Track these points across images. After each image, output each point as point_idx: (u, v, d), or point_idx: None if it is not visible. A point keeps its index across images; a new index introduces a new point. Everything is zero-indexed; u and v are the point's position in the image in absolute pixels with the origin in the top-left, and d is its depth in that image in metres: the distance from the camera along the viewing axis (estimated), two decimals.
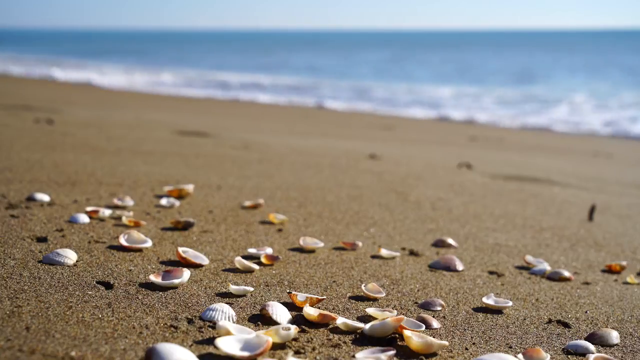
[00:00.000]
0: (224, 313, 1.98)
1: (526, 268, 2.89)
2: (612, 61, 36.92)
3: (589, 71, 29.43)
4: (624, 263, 3.00)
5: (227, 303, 2.11)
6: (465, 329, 2.12)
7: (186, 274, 2.26)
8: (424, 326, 2.04)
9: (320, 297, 2.16)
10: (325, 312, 2.03)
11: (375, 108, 15.79)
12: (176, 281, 2.21)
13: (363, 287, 2.34)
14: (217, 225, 3.11)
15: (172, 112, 10.48)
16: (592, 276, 2.87)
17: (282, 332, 1.82)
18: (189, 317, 1.97)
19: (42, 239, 2.60)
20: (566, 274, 2.78)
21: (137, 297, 2.09)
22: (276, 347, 1.81)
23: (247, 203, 3.54)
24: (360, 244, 2.97)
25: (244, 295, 2.22)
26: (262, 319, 2.01)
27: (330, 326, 2.01)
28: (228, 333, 1.80)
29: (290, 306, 2.13)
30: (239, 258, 2.50)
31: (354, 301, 2.28)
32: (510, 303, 2.33)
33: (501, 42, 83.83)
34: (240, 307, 2.11)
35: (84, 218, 2.93)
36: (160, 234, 2.87)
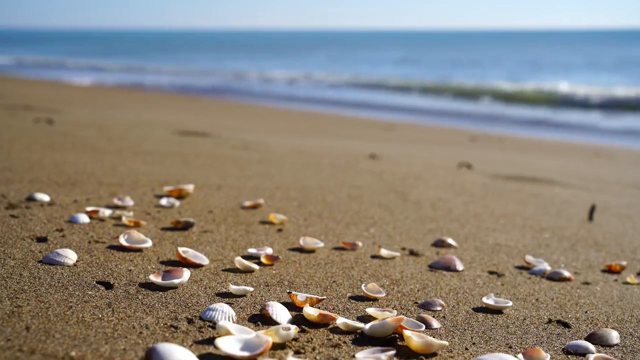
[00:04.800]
0: (224, 313, 1.98)
1: (526, 268, 2.89)
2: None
3: None
4: (624, 263, 3.00)
5: (227, 303, 2.11)
6: (465, 329, 2.12)
7: (186, 274, 2.26)
8: (424, 326, 2.04)
9: (320, 297, 2.16)
10: (325, 312, 2.03)
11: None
12: (176, 281, 2.21)
13: (363, 287, 2.34)
14: (217, 225, 3.11)
15: (172, 112, 10.48)
16: (592, 276, 2.87)
17: (282, 332, 1.82)
18: (189, 317, 1.97)
19: (42, 239, 2.60)
20: (566, 274, 2.78)
21: (137, 297, 2.09)
22: (276, 347, 1.81)
23: (247, 203, 3.54)
24: (360, 244, 2.97)
25: (244, 295, 2.22)
26: (262, 319, 2.01)
27: (330, 326, 2.01)
28: (228, 333, 1.80)
29: (290, 306, 2.13)
30: (239, 258, 2.50)
31: (354, 301, 2.28)
32: (510, 303, 2.33)
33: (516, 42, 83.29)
34: (240, 307, 2.11)
35: (84, 218, 2.93)
36: (160, 234, 2.87)
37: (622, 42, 72.64)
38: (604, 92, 18.98)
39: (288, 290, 2.31)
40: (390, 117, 13.46)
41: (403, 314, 2.19)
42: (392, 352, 1.80)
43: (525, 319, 2.26)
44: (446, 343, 1.91)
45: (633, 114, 16.24)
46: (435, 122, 13.33)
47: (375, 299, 2.31)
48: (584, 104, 17.89)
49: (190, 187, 3.65)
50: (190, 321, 1.94)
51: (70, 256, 2.37)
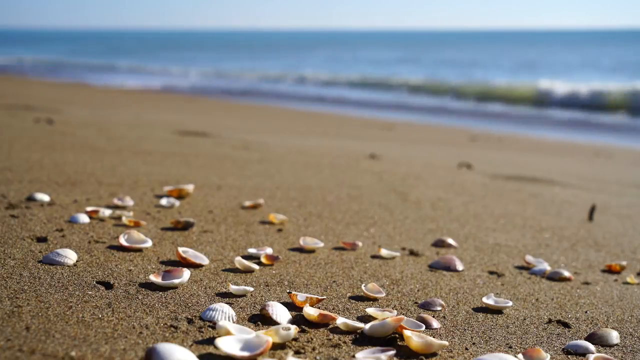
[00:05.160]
0: (224, 313, 1.98)
1: (526, 268, 2.89)
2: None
3: None
4: (624, 263, 3.00)
5: (227, 303, 2.11)
6: (465, 329, 2.12)
7: (186, 274, 2.26)
8: (424, 326, 2.04)
9: (320, 297, 2.16)
10: (325, 312, 2.03)
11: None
12: (176, 281, 2.21)
13: (363, 287, 2.34)
14: (217, 225, 3.11)
15: (172, 112, 10.48)
16: (592, 276, 2.87)
17: (282, 332, 1.82)
18: (189, 317, 1.97)
19: (42, 239, 2.60)
20: (566, 274, 2.78)
21: (137, 297, 2.09)
22: (276, 347, 1.81)
23: (247, 203, 3.54)
24: (360, 244, 2.97)
25: (244, 295, 2.22)
26: (262, 319, 2.01)
27: (330, 326, 2.01)
28: (228, 333, 1.80)
29: (290, 306, 2.14)
30: (239, 258, 2.50)
31: (354, 301, 2.28)
32: (510, 303, 2.33)
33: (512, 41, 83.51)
34: (240, 307, 2.11)
35: (84, 218, 2.93)
36: (160, 234, 2.87)
37: (621, 42, 72.76)
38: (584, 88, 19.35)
39: (288, 290, 2.31)
40: (366, 114, 13.55)
41: (403, 314, 2.19)
42: (392, 352, 1.80)
43: (525, 319, 2.26)
44: (446, 343, 1.91)
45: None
46: (419, 118, 13.36)
47: (375, 299, 2.31)
48: (560, 102, 18.27)
49: (190, 187, 3.65)
50: (190, 321, 1.94)
51: (70, 256, 2.37)
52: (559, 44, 70.78)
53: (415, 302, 2.32)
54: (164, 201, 3.40)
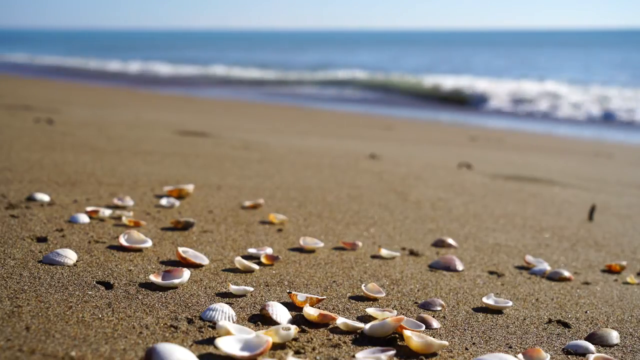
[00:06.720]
0: (224, 313, 1.98)
1: (526, 268, 2.89)
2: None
3: None
4: (624, 263, 3.00)
5: (227, 303, 2.11)
6: (465, 329, 2.12)
7: (186, 274, 2.26)
8: (424, 326, 2.04)
9: (320, 297, 2.16)
10: (325, 312, 2.03)
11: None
12: (176, 281, 2.21)
13: (363, 287, 2.34)
14: (217, 225, 3.11)
15: (172, 112, 10.48)
16: (592, 276, 2.87)
17: (282, 332, 1.82)
18: (189, 317, 1.97)
19: (42, 239, 2.60)
20: (566, 274, 2.78)
21: (137, 297, 2.09)
22: (276, 347, 1.81)
23: (247, 203, 3.54)
24: (360, 244, 2.97)
25: (244, 295, 2.22)
26: (262, 319, 2.01)
27: (330, 326, 2.01)
28: (228, 333, 1.80)
29: (290, 306, 2.14)
30: (239, 258, 2.50)
31: (354, 301, 2.28)
32: (510, 303, 2.33)
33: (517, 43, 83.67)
34: (240, 307, 2.11)
35: (84, 218, 2.93)
36: (160, 234, 2.87)
37: (619, 43, 72.90)
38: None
39: (288, 290, 2.31)
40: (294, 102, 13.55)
41: (403, 314, 2.19)
42: (392, 352, 1.80)
43: (525, 319, 2.26)
44: (446, 343, 1.91)
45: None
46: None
47: (375, 299, 2.31)
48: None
49: (190, 187, 3.65)
50: (190, 321, 1.94)
51: (70, 256, 2.37)
52: (556, 44, 70.94)
53: (415, 302, 2.32)
54: (164, 201, 3.40)
